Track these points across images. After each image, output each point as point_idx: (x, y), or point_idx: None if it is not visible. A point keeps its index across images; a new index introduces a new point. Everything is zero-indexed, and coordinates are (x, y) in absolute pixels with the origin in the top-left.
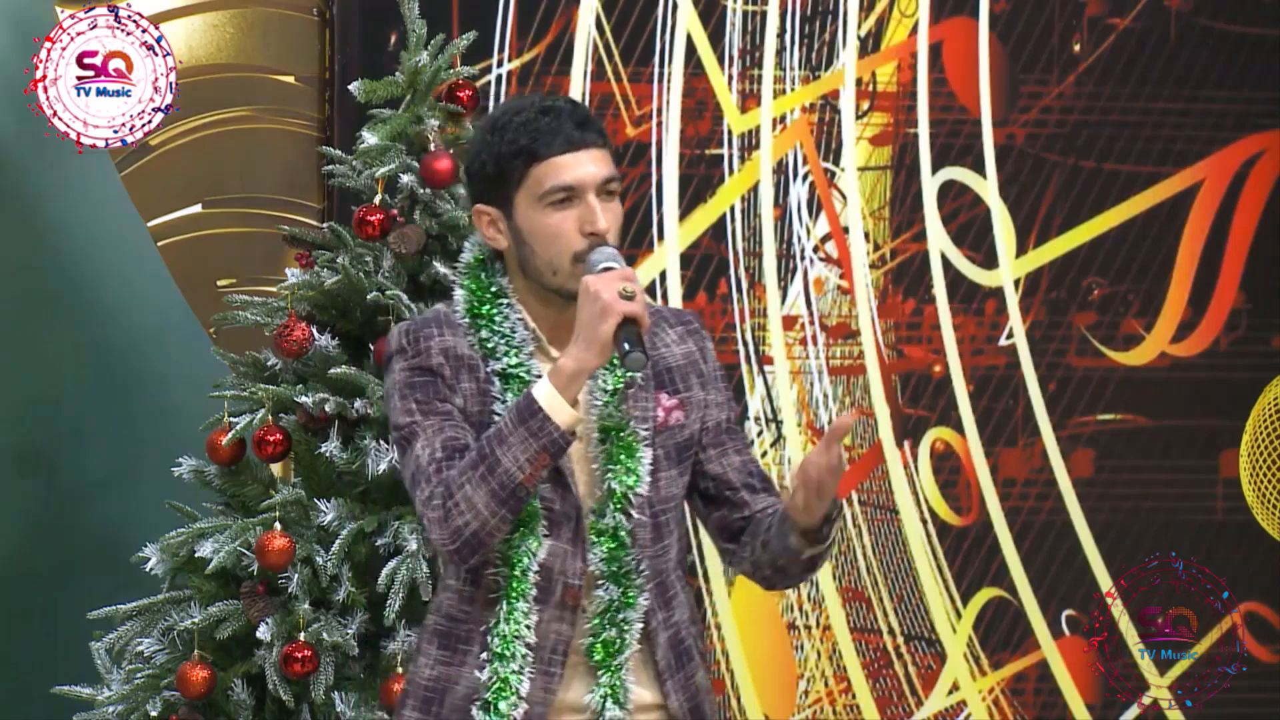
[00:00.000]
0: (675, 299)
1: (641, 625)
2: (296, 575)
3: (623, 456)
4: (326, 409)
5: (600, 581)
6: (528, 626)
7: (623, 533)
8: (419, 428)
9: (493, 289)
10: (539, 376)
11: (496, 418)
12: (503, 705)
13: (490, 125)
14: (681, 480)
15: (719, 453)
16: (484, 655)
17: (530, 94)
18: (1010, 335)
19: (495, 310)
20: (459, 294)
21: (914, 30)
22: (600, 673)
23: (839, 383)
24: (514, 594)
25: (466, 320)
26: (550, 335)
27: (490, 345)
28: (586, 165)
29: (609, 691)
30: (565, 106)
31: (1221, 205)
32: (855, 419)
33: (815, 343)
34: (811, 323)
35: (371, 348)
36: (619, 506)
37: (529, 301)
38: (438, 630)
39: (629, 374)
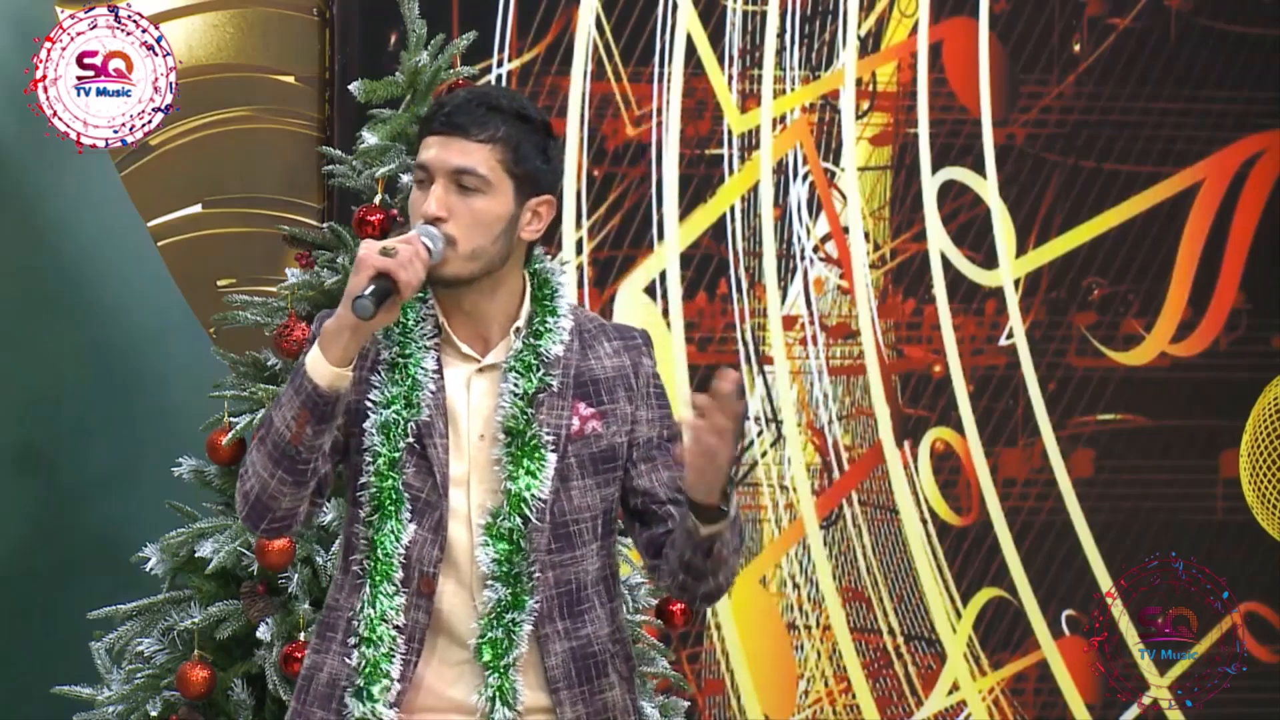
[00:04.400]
0: (675, 299)
1: (531, 629)
2: (296, 575)
3: (525, 460)
4: None
5: (490, 582)
6: (394, 610)
7: (518, 536)
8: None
9: None
10: (427, 368)
11: (368, 405)
12: (375, 690)
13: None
14: (601, 493)
15: (649, 468)
16: (350, 641)
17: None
18: (1010, 335)
19: (411, 301)
20: None
21: (914, 30)
22: (489, 674)
23: (839, 383)
24: (378, 577)
25: None
26: (452, 324)
27: (390, 334)
28: (446, 150)
29: (497, 692)
30: (475, 95)
31: (1221, 205)
32: (735, 381)
33: (815, 343)
34: (811, 323)
35: None
36: (516, 509)
37: (436, 289)
38: (319, 620)
39: (540, 380)
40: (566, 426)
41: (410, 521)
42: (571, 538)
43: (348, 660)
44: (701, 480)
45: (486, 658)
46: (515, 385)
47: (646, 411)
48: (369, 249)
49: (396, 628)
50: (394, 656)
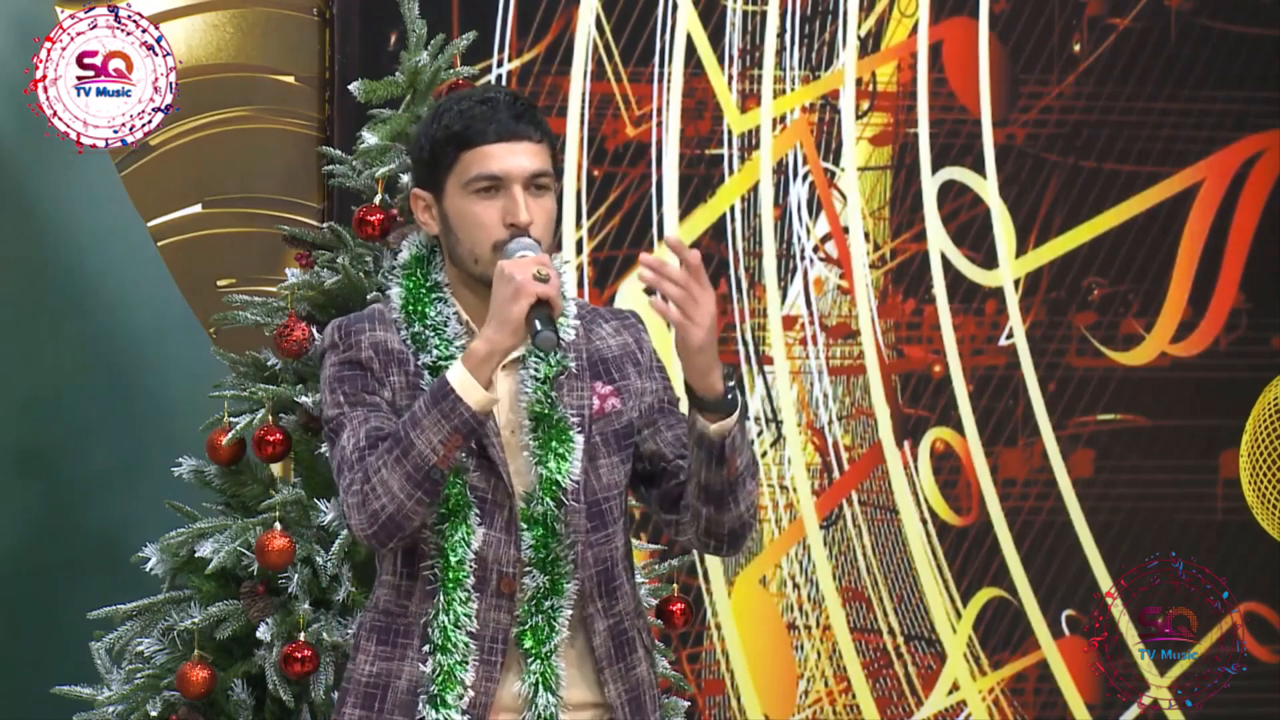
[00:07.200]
0: None
1: (572, 613)
2: (296, 575)
3: (554, 444)
4: None
5: (528, 569)
6: (467, 616)
7: (553, 520)
8: (346, 419)
9: (429, 284)
10: None
11: None
12: (449, 697)
13: (432, 112)
14: (624, 469)
15: (652, 431)
16: (425, 648)
17: (481, 86)
18: (1010, 335)
19: (430, 304)
20: (395, 291)
21: (914, 30)
22: (531, 660)
23: (839, 383)
24: (450, 584)
25: (401, 316)
26: (474, 320)
27: (422, 339)
28: (516, 156)
29: (540, 679)
30: (504, 98)
31: (1221, 205)
32: (675, 241)
33: (815, 343)
34: (811, 323)
35: None
36: (549, 493)
37: (463, 293)
38: (375, 626)
39: (559, 363)
40: (588, 406)
41: (480, 525)
42: (603, 515)
43: (423, 666)
44: (695, 346)
45: (528, 645)
46: (536, 370)
47: (650, 383)
48: (523, 273)
49: (470, 634)
50: (468, 663)
